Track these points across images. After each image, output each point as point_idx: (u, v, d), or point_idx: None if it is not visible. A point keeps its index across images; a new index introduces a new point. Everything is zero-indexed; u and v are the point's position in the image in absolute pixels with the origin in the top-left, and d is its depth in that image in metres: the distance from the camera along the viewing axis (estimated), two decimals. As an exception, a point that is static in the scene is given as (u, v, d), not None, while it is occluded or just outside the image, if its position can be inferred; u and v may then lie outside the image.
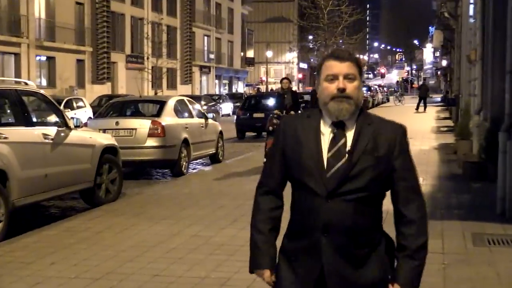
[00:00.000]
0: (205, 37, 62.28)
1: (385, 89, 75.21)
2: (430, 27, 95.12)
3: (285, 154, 2.81)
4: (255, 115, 24.36)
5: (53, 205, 10.46)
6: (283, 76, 20.58)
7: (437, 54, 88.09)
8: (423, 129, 24.89)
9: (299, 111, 13.68)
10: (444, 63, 53.37)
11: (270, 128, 12.68)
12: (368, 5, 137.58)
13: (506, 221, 8.15)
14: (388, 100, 65.74)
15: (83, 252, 6.98)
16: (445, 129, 24.87)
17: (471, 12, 17.34)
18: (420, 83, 64.35)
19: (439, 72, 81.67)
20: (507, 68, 8.87)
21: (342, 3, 44.43)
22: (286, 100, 14.45)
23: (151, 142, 13.10)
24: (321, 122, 2.75)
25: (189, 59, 56.20)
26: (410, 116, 33.98)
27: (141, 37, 47.43)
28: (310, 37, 65.13)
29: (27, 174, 8.21)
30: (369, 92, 54.20)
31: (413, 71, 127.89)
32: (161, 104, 14.27)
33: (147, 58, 45.95)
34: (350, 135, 2.70)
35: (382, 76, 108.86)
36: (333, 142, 2.70)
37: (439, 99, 58.73)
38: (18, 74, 33.63)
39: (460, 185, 11.15)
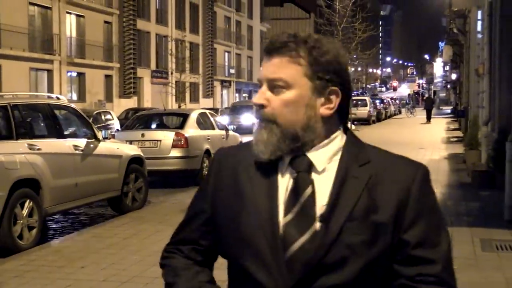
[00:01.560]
0: (226, 53, 62.49)
1: (397, 101, 74.88)
2: (440, 42, 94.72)
3: (215, 212, 1.63)
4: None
5: (82, 212, 10.53)
6: None
7: (447, 68, 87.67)
8: (434, 140, 24.75)
9: None
10: (453, 76, 53.09)
11: None
12: (380, 22, 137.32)
13: (513, 228, 8.09)
14: (400, 112, 65.43)
15: (111, 256, 7.02)
16: (455, 139, 24.71)
17: (479, 28, 17.27)
18: (432, 95, 64.00)
19: (448, 85, 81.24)
20: (514, 81, 8.83)
21: (356, 20, 44.37)
22: None
23: (175, 152, 13.16)
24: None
25: (210, 74, 56.40)
26: (421, 127, 33.81)
27: (165, 53, 47.67)
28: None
29: (58, 183, 8.28)
30: (382, 105, 54.02)
31: (424, 84, 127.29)
32: (184, 116, 14.35)
33: (171, 73, 46.18)
34: (324, 181, 1.52)
35: (394, 89, 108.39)
36: (293, 194, 1.51)
37: (449, 110, 58.36)
38: (50, 89, 33.95)
39: (469, 193, 11.08)
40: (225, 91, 62.53)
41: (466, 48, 25.14)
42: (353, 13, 44.29)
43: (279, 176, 1.56)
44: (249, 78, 68.96)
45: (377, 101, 54.46)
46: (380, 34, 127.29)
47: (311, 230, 1.48)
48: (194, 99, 53.03)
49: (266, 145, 1.53)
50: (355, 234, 1.47)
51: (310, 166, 1.54)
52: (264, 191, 1.54)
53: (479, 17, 16.99)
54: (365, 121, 42.08)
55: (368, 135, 30.18)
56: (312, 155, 1.54)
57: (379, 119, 48.21)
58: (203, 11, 55.15)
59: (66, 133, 9.25)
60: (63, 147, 8.63)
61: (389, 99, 65.52)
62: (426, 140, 24.51)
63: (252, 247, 1.52)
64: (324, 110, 1.53)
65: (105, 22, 40.75)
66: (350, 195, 1.50)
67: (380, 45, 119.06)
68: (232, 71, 63.58)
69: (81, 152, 8.94)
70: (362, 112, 43.14)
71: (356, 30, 46.50)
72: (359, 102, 44.99)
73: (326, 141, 1.55)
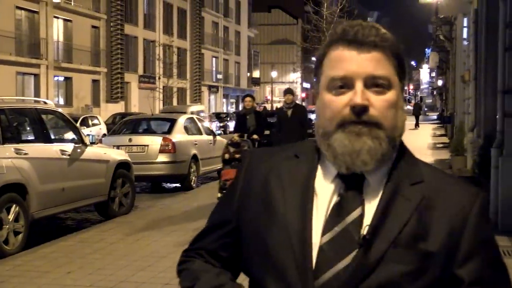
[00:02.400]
0: (214, 58, 62.49)
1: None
2: (426, 49, 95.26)
3: (241, 224, 1.44)
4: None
5: (69, 217, 10.48)
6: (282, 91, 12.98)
7: (433, 74, 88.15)
8: (420, 146, 24.87)
9: (265, 139, 11.96)
10: (439, 82, 53.41)
11: (226, 156, 10.32)
12: (374, 23, 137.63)
13: (499, 233, 8.12)
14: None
15: (97, 261, 6.99)
16: (441, 145, 24.85)
17: (465, 35, 17.40)
18: (419, 101, 64.43)
19: (435, 92, 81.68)
20: (499, 87, 8.90)
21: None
22: (248, 122, 11.84)
23: (162, 157, 13.14)
24: (318, 170, 1.38)
25: (198, 79, 56.38)
26: (407, 133, 33.86)
27: (153, 58, 47.62)
28: (313, 58, 65.32)
29: (45, 188, 8.24)
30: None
31: (411, 91, 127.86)
32: (172, 122, 14.32)
33: (159, 78, 46.11)
34: (370, 199, 1.33)
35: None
36: (337, 214, 1.32)
37: (435, 117, 58.69)
38: (37, 93, 33.78)
39: (455, 199, 11.13)
40: (212, 97, 62.50)
41: (452, 54, 25.31)
42: (341, 19, 44.46)
43: (319, 189, 1.35)
44: (236, 83, 68.98)
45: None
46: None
47: (352, 255, 1.27)
48: (182, 104, 52.95)
49: (373, 155, 1.29)
50: (399, 263, 1.26)
51: (364, 183, 1.33)
52: (298, 206, 1.33)
53: (465, 24, 17.13)
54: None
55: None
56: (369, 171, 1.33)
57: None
58: (191, 16, 55.16)
59: (53, 137, 9.22)
60: (50, 151, 8.59)
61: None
62: (412, 146, 24.38)
63: (278, 269, 1.31)
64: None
65: (93, 26, 40.64)
66: (397, 217, 1.29)
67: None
68: (220, 76, 63.58)
69: (68, 157, 8.90)
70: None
71: (343, 36, 46.63)
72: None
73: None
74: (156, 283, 6.17)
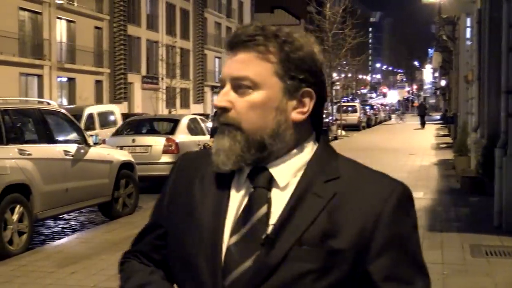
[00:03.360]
0: (217, 59, 62.51)
1: (387, 107, 75.15)
2: (429, 49, 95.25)
3: (167, 227, 1.43)
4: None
5: (73, 217, 10.49)
6: None
7: (436, 74, 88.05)
8: (423, 146, 24.85)
9: None
10: (443, 83, 53.33)
11: None
12: (370, 29, 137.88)
13: (502, 233, 8.13)
14: (390, 118, 65.65)
15: (101, 262, 7.00)
16: (444, 145, 24.82)
17: (468, 35, 17.38)
18: (422, 102, 64.47)
19: (438, 92, 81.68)
20: (502, 88, 8.90)
21: (346, 26, 44.49)
22: None
23: (166, 158, 13.14)
24: (237, 171, 1.37)
25: (201, 80, 56.38)
26: (411, 133, 33.93)
27: (156, 59, 47.62)
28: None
29: (49, 189, 8.25)
30: (372, 111, 54.20)
31: (414, 91, 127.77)
32: (175, 122, 14.34)
33: (162, 79, 46.11)
34: (284, 199, 1.30)
35: (384, 95, 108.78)
36: (246, 213, 1.31)
37: (438, 117, 58.65)
38: (40, 94, 33.83)
39: (458, 199, 11.13)
40: (215, 97, 62.45)
41: (455, 54, 25.29)
42: (343, 19, 44.48)
43: (233, 191, 1.34)
44: (239, 84, 69.03)
45: (367, 107, 54.67)
46: (370, 40, 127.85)
47: (256, 255, 1.26)
48: (185, 105, 52.97)
49: (229, 155, 1.30)
50: (303, 262, 1.24)
51: (271, 181, 1.31)
52: (212, 207, 1.33)
53: (468, 24, 17.11)
54: (355, 127, 42.20)
55: (357, 141, 30.27)
56: (275, 167, 1.32)
57: (369, 125, 48.37)
58: (193, 17, 55.18)
59: (56, 138, 9.23)
60: (53, 152, 8.61)
61: (379, 105, 65.76)
62: (415, 146, 24.59)
63: (193, 272, 1.32)
64: (296, 115, 1.32)
65: (96, 27, 40.67)
66: (305, 215, 1.26)
67: (370, 51, 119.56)
68: (223, 77, 63.54)
69: (71, 158, 8.91)
70: (352, 118, 43.28)
71: (346, 37, 46.67)
72: (349, 108, 45.16)
73: (294, 151, 1.33)
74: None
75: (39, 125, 8.75)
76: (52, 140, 8.82)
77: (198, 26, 55.68)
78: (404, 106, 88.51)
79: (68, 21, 37.64)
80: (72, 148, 9.06)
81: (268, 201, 1.29)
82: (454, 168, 15.06)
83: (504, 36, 8.84)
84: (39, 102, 9.91)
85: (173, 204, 1.42)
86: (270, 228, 1.26)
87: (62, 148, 8.86)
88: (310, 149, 1.35)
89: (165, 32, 49.63)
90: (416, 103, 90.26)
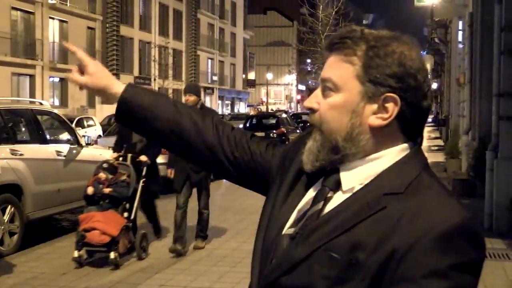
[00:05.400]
0: (209, 60, 62.50)
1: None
2: (421, 52, 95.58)
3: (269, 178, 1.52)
4: (256, 133, 24.35)
5: (64, 218, 10.46)
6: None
7: (428, 77, 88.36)
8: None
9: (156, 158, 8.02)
10: (434, 85, 53.54)
11: (90, 190, 7.10)
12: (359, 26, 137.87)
13: (493, 236, 8.16)
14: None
15: (93, 263, 6.98)
16: (436, 148, 24.90)
17: (460, 38, 17.46)
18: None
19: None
20: (494, 91, 8.94)
21: (339, 28, 44.57)
22: (135, 137, 7.71)
23: (160, 159, 13.09)
24: None
25: (193, 81, 56.35)
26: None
27: (148, 59, 47.60)
28: (308, 60, 65.47)
29: (40, 189, 8.23)
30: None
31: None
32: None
33: (154, 80, 46.08)
34: (338, 202, 1.30)
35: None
36: (308, 208, 1.33)
37: (430, 119, 58.83)
38: (32, 94, 33.72)
39: (450, 201, 11.15)
40: (207, 98, 62.50)
41: (447, 57, 25.39)
42: (336, 21, 44.54)
43: (311, 189, 1.37)
44: (232, 85, 68.99)
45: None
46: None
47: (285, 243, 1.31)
48: (177, 105, 52.88)
49: (308, 155, 1.34)
50: (323, 266, 1.22)
51: (338, 183, 1.31)
52: (290, 203, 1.37)
53: (460, 27, 17.18)
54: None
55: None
56: (345, 171, 1.30)
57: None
58: (186, 18, 55.16)
59: (48, 138, 9.20)
60: (45, 152, 8.58)
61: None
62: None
63: (255, 257, 1.39)
64: (375, 120, 1.28)
65: (88, 27, 40.59)
66: (343, 222, 1.23)
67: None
68: (215, 78, 63.58)
69: (63, 158, 8.89)
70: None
71: (338, 39, 46.77)
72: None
73: (371, 157, 1.29)
74: (152, 285, 6.17)
75: (31, 125, 8.72)
76: (44, 141, 8.79)
77: (191, 27, 55.66)
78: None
79: (61, 21, 37.55)
80: (64, 148, 9.04)
81: (325, 200, 1.30)
82: (446, 171, 15.11)
83: (496, 39, 8.88)
84: (31, 102, 9.87)
85: (280, 168, 1.48)
86: (299, 226, 1.30)
87: (54, 148, 8.84)
88: (391, 157, 1.29)
89: (158, 32, 49.59)
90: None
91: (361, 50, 1.28)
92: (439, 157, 19.37)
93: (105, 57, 41.83)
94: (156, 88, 44.91)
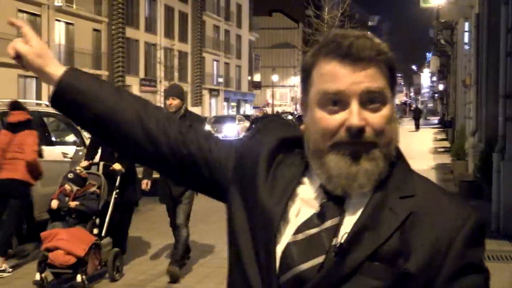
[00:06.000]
0: (215, 62, 62.55)
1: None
2: (427, 53, 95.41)
3: (227, 185, 1.42)
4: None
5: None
6: None
7: (434, 78, 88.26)
8: (421, 150, 24.87)
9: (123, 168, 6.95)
10: (441, 87, 53.45)
11: (54, 204, 6.46)
12: (369, 32, 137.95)
13: (501, 238, 8.14)
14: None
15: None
16: (442, 149, 24.85)
17: (466, 40, 17.42)
18: (419, 106, 64.87)
19: (436, 96, 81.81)
20: (500, 92, 8.91)
21: (346, 29, 44.61)
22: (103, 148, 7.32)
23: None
24: (304, 178, 1.33)
25: (199, 83, 56.41)
26: (408, 137, 33.92)
27: (154, 61, 47.67)
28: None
29: (47, 191, 8.23)
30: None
31: (412, 95, 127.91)
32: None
33: (160, 82, 46.15)
34: (356, 215, 1.26)
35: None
36: (313, 220, 1.27)
37: (436, 121, 58.74)
38: (39, 96, 33.82)
39: (456, 203, 11.13)
40: (213, 100, 62.55)
41: (453, 59, 25.33)
42: (342, 23, 44.51)
43: (301, 195, 1.31)
44: (237, 87, 69.04)
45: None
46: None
47: (315, 260, 1.22)
48: (183, 107, 52.96)
49: (370, 177, 1.25)
50: (373, 278, 1.20)
51: (346, 197, 1.27)
52: (278, 201, 1.29)
53: (466, 28, 17.14)
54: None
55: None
56: None
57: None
58: (192, 20, 55.24)
59: (54, 140, 9.22)
60: (52, 154, 8.59)
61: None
62: (413, 150, 24.60)
63: (240, 258, 1.32)
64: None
65: (94, 30, 40.69)
66: (380, 230, 1.21)
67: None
68: (221, 80, 63.63)
69: (70, 160, 8.90)
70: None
71: (344, 40, 46.75)
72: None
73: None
74: (158, 287, 6.17)
75: (38, 127, 8.73)
76: (50, 142, 8.81)
77: (197, 29, 55.73)
78: (402, 110, 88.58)
79: (67, 23, 37.66)
80: (71, 150, 9.05)
81: (342, 214, 1.25)
82: (452, 172, 15.08)
83: (502, 41, 8.86)
84: (38, 104, 9.89)
85: (238, 168, 1.39)
86: (343, 237, 1.21)
87: (61, 150, 8.86)
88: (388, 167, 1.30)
89: (163, 34, 49.66)
90: (413, 107, 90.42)
91: (384, 62, 1.28)
92: (446, 159, 19.33)
93: (110, 59, 41.94)
94: (162, 90, 45.00)
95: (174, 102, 6.58)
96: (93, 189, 6.51)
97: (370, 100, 1.24)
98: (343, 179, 1.24)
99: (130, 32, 44.57)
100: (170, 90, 6.92)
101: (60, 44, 37.18)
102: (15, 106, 7.29)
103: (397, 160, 1.30)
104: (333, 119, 1.24)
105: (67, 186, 6.49)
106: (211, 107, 61.28)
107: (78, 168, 6.77)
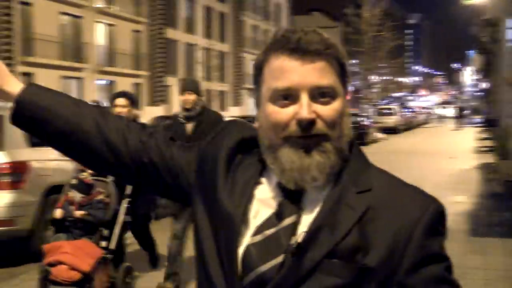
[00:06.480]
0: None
1: (426, 110, 74.34)
2: (469, 51, 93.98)
3: (192, 189, 1.41)
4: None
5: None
6: None
7: (477, 76, 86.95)
8: (464, 149, 24.50)
9: None
10: (484, 85, 52.64)
11: (58, 213, 5.75)
12: (409, 31, 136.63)
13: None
14: (429, 121, 64.91)
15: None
16: (486, 149, 24.43)
17: (509, 37, 17.08)
18: (461, 104, 63.95)
19: (479, 94, 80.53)
20: (547, 90, 8.71)
21: (383, 29, 44.22)
22: None
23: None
24: (262, 178, 1.34)
25: (238, 83, 56.61)
26: (451, 136, 33.47)
27: (193, 62, 47.99)
28: (353, 61, 65.13)
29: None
30: (410, 113, 53.64)
31: (454, 93, 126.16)
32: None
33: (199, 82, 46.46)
34: (313, 212, 1.26)
35: (423, 97, 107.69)
36: (271, 220, 1.27)
37: (479, 120, 57.85)
38: (80, 97, 34.10)
39: (501, 204, 10.92)
40: (252, 100, 62.66)
41: (496, 56, 24.87)
42: (381, 22, 44.17)
43: (259, 195, 1.31)
44: (276, 86, 69.07)
45: (405, 110, 54.16)
46: (409, 42, 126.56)
47: (275, 261, 1.22)
48: (223, 107, 53.24)
49: (322, 169, 1.25)
50: (332, 275, 1.20)
51: (301, 193, 1.27)
52: (237, 200, 1.30)
53: (510, 25, 16.81)
54: (393, 130, 41.83)
55: (395, 144, 30.00)
56: None
57: (407, 128, 47.93)
58: (231, 20, 55.45)
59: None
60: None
61: (417, 108, 65.09)
62: (456, 149, 24.26)
63: (204, 258, 1.31)
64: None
65: (134, 30, 41.14)
66: (337, 227, 1.21)
67: (409, 54, 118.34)
68: (260, 79, 63.69)
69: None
70: (389, 120, 42.93)
71: (383, 39, 46.41)
72: (387, 111, 44.83)
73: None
74: None
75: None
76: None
77: (236, 29, 55.93)
78: (444, 109, 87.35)
79: (108, 24, 38.17)
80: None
81: (299, 212, 1.26)
82: (496, 172, 14.80)
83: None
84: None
85: (199, 172, 1.40)
86: (301, 236, 1.22)
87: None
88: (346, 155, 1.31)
89: (202, 35, 49.95)
90: (455, 106, 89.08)
91: (334, 55, 1.29)
92: (490, 158, 18.98)
93: (150, 60, 42.37)
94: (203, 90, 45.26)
95: (191, 97, 5.95)
96: (101, 197, 5.81)
97: (319, 94, 1.26)
98: (296, 172, 1.25)
99: (169, 33, 44.94)
100: (185, 84, 6.15)
101: (101, 45, 37.69)
102: None
103: (352, 154, 1.31)
104: (283, 112, 1.26)
105: (71, 194, 5.79)
106: (251, 106, 61.40)
107: (84, 173, 5.91)
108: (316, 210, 1.25)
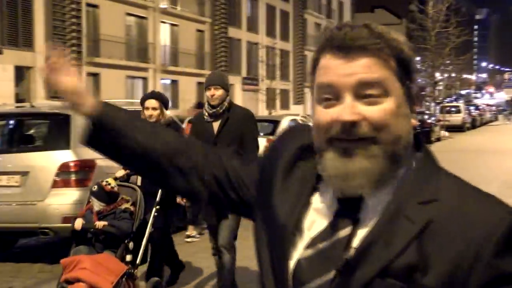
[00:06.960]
0: (316, 60, 62.44)
1: (493, 108, 72.45)
2: None
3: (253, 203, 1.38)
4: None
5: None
6: None
7: None
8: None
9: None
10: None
11: (78, 223, 5.22)
12: (476, 26, 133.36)
13: None
14: (496, 119, 63.21)
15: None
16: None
17: None
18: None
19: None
20: None
21: (449, 25, 43.25)
22: None
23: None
24: (321, 185, 1.26)
25: (301, 81, 56.47)
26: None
27: (256, 60, 48.16)
28: (418, 58, 64.00)
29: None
30: (477, 111, 52.39)
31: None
32: (275, 123, 14.42)
33: (262, 80, 46.58)
34: (369, 225, 1.16)
35: (491, 95, 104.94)
36: (326, 232, 1.19)
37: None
38: (145, 96, 34.94)
39: None
40: (315, 98, 62.47)
41: None
42: (447, 17, 43.24)
43: (316, 205, 1.23)
44: (339, 84, 68.62)
45: (472, 108, 52.96)
46: (475, 38, 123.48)
47: (326, 277, 1.14)
48: (285, 106, 53.26)
49: (370, 176, 1.15)
50: None
51: (360, 203, 1.18)
52: (290, 213, 1.23)
53: None
54: (458, 128, 40.97)
55: (461, 142, 29.36)
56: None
57: (473, 126, 46.86)
58: (293, 18, 55.37)
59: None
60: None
61: (484, 106, 63.51)
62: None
63: (264, 270, 1.26)
64: (414, 121, 1.22)
65: (198, 30, 41.60)
66: (393, 242, 1.10)
67: (475, 50, 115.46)
68: (322, 77, 63.40)
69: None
70: (455, 119, 42.11)
71: (449, 35, 45.39)
72: (453, 109, 43.96)
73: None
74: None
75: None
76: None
77: (298, 27, 55.82)
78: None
79: (172, 24, 38.75)
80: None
81: (355, 223, 1.16)
82: None
83: None
84: (130, 103, 10.17)
85: (260, 182, 1.35)
86: (351, 252, 1.13)
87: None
88: (409, 160, 1.19)
89: (265, 33, 50.07)
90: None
91: (389, 50, 1.18)
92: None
93: (213, 59, 42.77)
94: (264, 89, 45.42)
95: (217, 92, 5.42)
96: (126, 205, 5.29)
97: (366, 93, 1.16)
98: (340, 179, 1.16)
99: (232, 32, 45.25)
100: (211, 78, 5.61)
101: (165, 45, 38.30)
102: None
103: (418, 159, 1.20)
104: (326, 113, 1.18)
105: (96, 204, 5.31)
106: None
107: (109, 179, 5.43)
108: (373, 222, 1.14)
